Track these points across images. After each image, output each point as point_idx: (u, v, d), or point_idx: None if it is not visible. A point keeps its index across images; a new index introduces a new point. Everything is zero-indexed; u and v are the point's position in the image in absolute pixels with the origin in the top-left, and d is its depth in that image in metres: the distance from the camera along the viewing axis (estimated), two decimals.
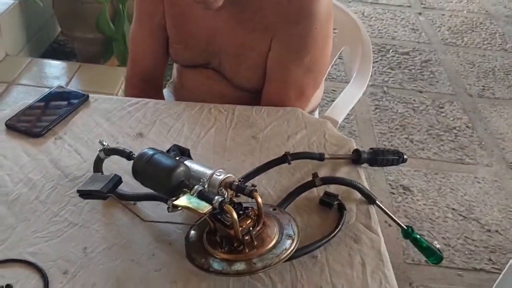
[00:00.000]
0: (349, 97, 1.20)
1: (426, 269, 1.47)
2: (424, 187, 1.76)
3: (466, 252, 1.55)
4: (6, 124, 0.82)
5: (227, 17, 0.91)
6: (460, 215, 1.67)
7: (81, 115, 0.88)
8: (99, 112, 0.89)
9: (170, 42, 1.04)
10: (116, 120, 0.88)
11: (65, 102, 0.89)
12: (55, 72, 1.95)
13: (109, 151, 0.70)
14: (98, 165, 0.72)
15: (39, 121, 0.84)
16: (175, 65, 1.14)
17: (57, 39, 2.39)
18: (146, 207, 0.71)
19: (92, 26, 2.02)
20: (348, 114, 1.24)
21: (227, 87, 1.01)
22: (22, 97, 1.75)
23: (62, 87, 0.93)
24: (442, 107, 2.19)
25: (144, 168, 0.63)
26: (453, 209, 1.69)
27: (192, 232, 0.65)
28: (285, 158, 0.77)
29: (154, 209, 0.70)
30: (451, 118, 2.13)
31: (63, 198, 0.71)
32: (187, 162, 0.65)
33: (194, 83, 1.06)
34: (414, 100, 2.22)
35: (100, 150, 0.71)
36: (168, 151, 0.71)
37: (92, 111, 0.89)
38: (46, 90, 0.91)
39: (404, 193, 1.72)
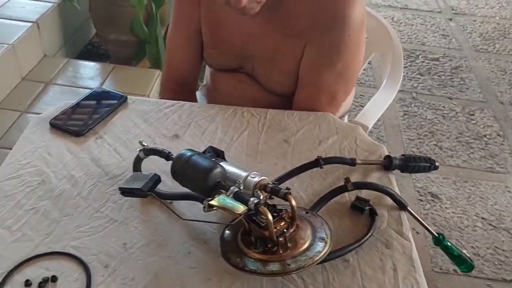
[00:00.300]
0: (379, 103, 1.20)
1: (455, 278, 1.46)
2: (453, 195, 1.74)
3: (496, 263, 1.52)
4: (50, 123, 0.86)
5: (262, 22, 0.93)
6: (490, 224, 1.64)
7: (120, 115, 0.92)
8: (136, 113, 0.93)
9: (205, 47, 1.06)
10: (153, 121, 0.91)
11: (105, 103, 0.93)
12: (90, 73, 2.02)
13: (149, 151, 0.73)
14: (137, 164, 0.75)
15: (81, 120, 0.88)
16: (208, 69, 1.17)
17: (92, 41, 2.46)
18: (182, 206, 0.73)
19: (126, 29, 2.07)
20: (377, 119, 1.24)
21: (259, 91, 1.03)
22: (59, 96, 1.82)
23: (102, 88, 0.97)
24: (472, 114, 2.16)
25: (183, 168, 0.66)
26: (482, 218, 1.66)
27: (227, 231, 0.67)
28: (317, 162, 0.78)
29: (189, 208, 0.73)
30: (482, 126, 2.10)
31: (104, 195, 0.75)
32: (222, 164, 0.67)
33: (227, 86, 1.09)
34: (444, 107, 2.19)
35: (140, 150, 0.74)
36: (204, 152, 0.73)
37: (130, 112, 0.93)
38: (88, 91, 0.95)
39: (432, 200, 1.71)
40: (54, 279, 0.62)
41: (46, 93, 1.83)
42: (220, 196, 0.63)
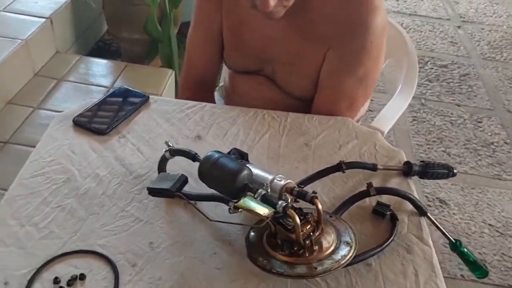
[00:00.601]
0: (395, 109, 1.21)
1: (462, 284, 1.47)
2: (461, 201, 1.75)
3: (502, 269, 1.53)
4: (73, 121, 0.87)
5: (284, 26, 0.94)
6: (497, 231, 1.65)
7: (142, 115, 0.93)
8: (159, 113, 0.94)
9: (225, 49, 1.07)
10: (176, 121, 0.92)
11: (128, 102, 0.94)
12: (102, 71, 2.03)
13: (175, 152, 0.74)
14: (162, 164, 0.76)
15: (104, 119, 0.89)
16: (226, 70, 1.18)
17: (103, 38, 2.47)
18: (206, 206, 0.74)
19: (139, 27, 2.08)
20: None
21: (278, 94, 1.04)
22: (71, 93, 1.83)
23: (124, 87, 0.98)
24: (480, 122, 2.17)
25: (210, 170, 0.67)
26: (489, 224, 1.67)
27: (252, 233, 0.68)
28: (339, 167, 0.79)
29: (213, 209, 0.73)
30: (489, 133, 2.11)
31: (129, 195, 0.75)
32: (249, 166, 0.68)
33: (246, 88, 1.10)
34: (452, 114, 2.20)
35: (166, 151, 0.74)
36: (228, 154, 0.74)
37: (152, 111, 0.94)
38: (110, 90, 0.96)
39: (440, 206, 1.72)
40: (82, 277, 0.63)
41: (58, 89, 1.84)
42: (246, 198, 0.64)
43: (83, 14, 2.21)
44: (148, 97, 0.96)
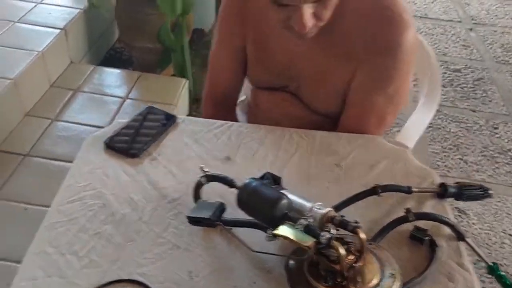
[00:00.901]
0: (419, 122, 1.20)
1: None
2: (480, 211, 1.74)
3: None
4: (105, 144, 0.87)
5: (312, 42, 0.94)
6: None
7: (171, 136, 0.92)
8: (187, 133, 0.93)
9: (249, 65, 1.07)
10: (204, 142, 0.91)
11: (156, 123, 0.94)
12: (116, 81, 2.03)
13: (211, 178, 0.74)
14: (197, 190, 0.76)
15: (134, 141, 0.88)
16: (248, 85, 1.17)
17: (114, 47, 2.47)
18: (241, 232, 0.74)
19: (152, 36, 2.08)
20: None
21: (303, 111, 1.04)
22: (87, 104, 1.83)
23: (152, 107, 0.98)
24: (496, 128, 2.16)
25: (249, 198, 0.67)
26: (510, 235, 1.66)
27: (291, 262, 0.68)
28: (375, 191, 0.78)
29: (250, 234, 0.73)
30: (506, 140, 2.09)
31: (165, 220, 0.75)
32: (286, 193, 0.68)
33: (269, 105, 1.09)
34: (467, 120, 2.19)
35: (202, 176, 0.74)
36: (262, 178, 0.74)
37: (180, 132, 0.93)
38: (138, 111, 0.95)
39: (459, 215, 1.71)
40: None
41: (74, 100, 1.84)
42: (285, 226, 0.64)
43: (96, 23, 2.21)
44: (176, 117, 0.96)
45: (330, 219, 0.65)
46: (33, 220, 1.39)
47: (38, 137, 1.65)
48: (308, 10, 0.79)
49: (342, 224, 0.64)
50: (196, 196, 0.75)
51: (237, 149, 0.91)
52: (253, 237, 0.72)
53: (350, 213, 0.78)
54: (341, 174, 0.87)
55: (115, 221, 0.74)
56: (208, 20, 2.65)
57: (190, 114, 2.14)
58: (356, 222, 0.63)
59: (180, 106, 1.97)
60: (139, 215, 0.76)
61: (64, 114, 1.76)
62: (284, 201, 0.65)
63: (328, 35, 0.90)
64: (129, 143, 0.88)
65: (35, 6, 2.05)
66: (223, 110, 1.13)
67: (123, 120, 0.94)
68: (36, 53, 1.78)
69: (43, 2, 2.08)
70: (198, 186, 0.75)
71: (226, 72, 1.11)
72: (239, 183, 0.71)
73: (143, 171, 0.84)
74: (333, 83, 0.96)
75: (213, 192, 0.78)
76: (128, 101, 1.88)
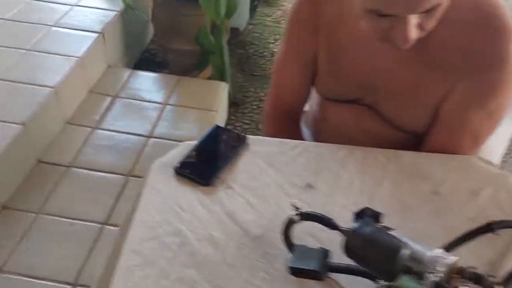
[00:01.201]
0: (502, 135, 1.09)
1: None
2: None
3: None
4: (175, 171, 0.79)
5: (401, 54, 0.84)
6: None
7: (243, 159, 0.84)
8: (259, 156, 0.84)
9: (320, 75, 0.98)
10: (280, 166, 0.82)
11: (226, 145, 0.85)
12: (154, 86, 1.96)
13: (306, 216, 0.65)
14: (288, 230, 0.67)
15: (205, 166, 0.80)
16: (315, 96, 1.08)
17: (148, 48, 2.41)
18: (343, 279, 0.64)
19: (190, 38, 2.00)
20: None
21: (383, 127, 0.94)
22: (127, 111, 1.76)
23: (219, 126, 0.89)
24: None
25: (362, 248, 0.58)
26: None
27: None
28: (489, 228, 0.68)
29: (350, 281, 0.64)
30: None
31: (251, 262, 0.67)
32: (406, 240, 0.59)
33: (341, 118, 1.00)
34: None
35: (296, 214, 0.65)
36: (359, 214, 0.65)
37: (252, 154, 0.85)
38: (205, 132, 0.87)
39: None
40: None
41: (114, 107, 1.77)
42: (406, 278, 0.55)
43: (132, 26, 2.14)
44: (246, 137, 0.87)
45: (459, 271, 0.55)
46: (80, 237, 1.33)
47: (80, 146, 1.59)
48: (414, 21, 0.69)
49: (475, 278, 0.54)
50: (287, 237, 0.66)
51: (318, 174, 0.82)
52: (355, 282, 0.64)
53: (460, 254, 0.68)
54: (440, 204, 0.77)
55: (197, 263, 0.66)
56: (242, 19, 2.56)
57: (229, 119, 2.06)
58: (491, 276, 0.54)
59: (221, 110, 1.89)
60: (222, 256, 0.67)
61: (104, 122, 1.70)
62: (405, 252, 0.56)
63: (421, 45, 0.80)
64: (200, 169, 0.79)
65: (71, 9, 1.99)
66: (289, 125, 1.04)
67: (189, 142, 0.86)
68: (76, 59, 1.72)
69: (78, 4, 2.01)
70: (289, 226, 0.66)
71: (294, 84, 1.02)
72: (341, 224, 0.62)
73: (219, 202, 0.76)
74: (425, 98, 0.86)
75: (303, 230, 0.69)
76: (168, 107, 1.81)
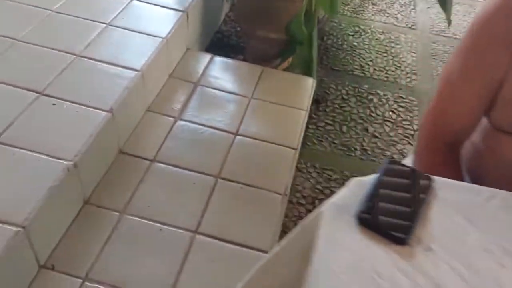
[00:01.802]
0: None
1: None
2: None
3: None
4: (359, 220, 0.64)
5: None
6: None
7: (434, 209, 0.68)
8: (451, 206, 0.68)
9: (499, 103, 0.81)
10: (481, 223, 0.66)
11: (411, 188, 0.69)
12: (236, 75, 1.79)
13: None
14: None
15: (393, 217, 0.64)
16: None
17: (220, 29, 2.24)
18: None
19: (278, 26, 1.82)
20: None
21: None
22: (209, 102, 1.61)
23: (393, 162, 0.73)
24: None
25: None
26: None
27: None
28: None
29: None
30: None
31: None
32: None
33: None
34: None
35: None
36: None
37: (443, 204, 0.69)
38: (379, 169, 0.71)
39: None
40: None
41: (195, 96, 1.62)
42: None
43: (212, 5, 1.97)
44: (430, 178, 0.71)
45: None
46: (169, 245, 1.20)
47: (163, 139, 1.44)
48: None
49: None
50: None
51: None
52: None
53: None
54: None
55: None
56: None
57: (310, 117, 1.89)
58: None
59: (307, 109, 1.72)
60: None
61: (186, 113, 1.55)
62: None
63: None
64: (389, 220, 0.64)
65: None
66: (453, 159, 0.88)
67: (358, 178, 0.70)
68: (161, 39, 1.56)
69: None
70: None
71: (466, 111, 0.85)
72: None
73: (421, 269, 0.60)
74: None
75: None
76: (253, 101, 1.65)
